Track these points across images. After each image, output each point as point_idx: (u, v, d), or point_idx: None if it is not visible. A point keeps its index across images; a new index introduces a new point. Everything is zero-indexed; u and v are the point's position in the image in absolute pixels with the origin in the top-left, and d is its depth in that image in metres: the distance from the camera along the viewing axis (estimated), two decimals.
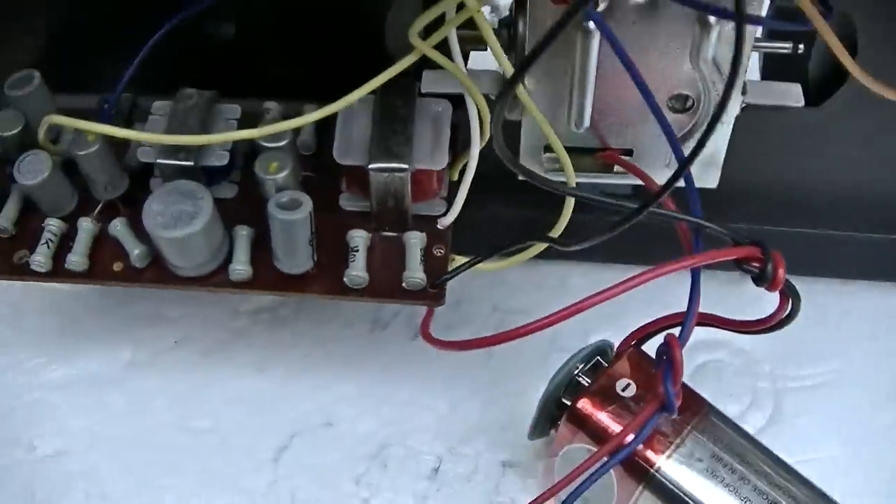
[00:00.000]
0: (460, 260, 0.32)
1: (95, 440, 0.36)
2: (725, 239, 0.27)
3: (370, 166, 0.30)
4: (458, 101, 0.31)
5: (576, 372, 0.31)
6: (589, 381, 0.30)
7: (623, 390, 0.29)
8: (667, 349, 0.27)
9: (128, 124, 0.34)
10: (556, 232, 0.31)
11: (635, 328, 0.31)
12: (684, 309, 0.28)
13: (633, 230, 0.37)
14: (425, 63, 0.30)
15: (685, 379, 0.37)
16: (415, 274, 0.31)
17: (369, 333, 0.39)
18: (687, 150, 0.31)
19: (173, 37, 0.29)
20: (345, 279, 0.31)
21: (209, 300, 0.40)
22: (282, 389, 0.38)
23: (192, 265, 0.31)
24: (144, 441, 0.36)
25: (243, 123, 0.32)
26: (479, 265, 0.32)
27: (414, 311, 0.39)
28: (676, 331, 0.28)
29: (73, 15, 0.33)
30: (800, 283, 0.40)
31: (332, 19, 0.29)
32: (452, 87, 0.31)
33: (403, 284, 0.31)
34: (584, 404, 0.29)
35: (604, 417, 0.29)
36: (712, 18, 0.27)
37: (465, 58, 0.32)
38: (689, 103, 0.30)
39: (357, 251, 0.31)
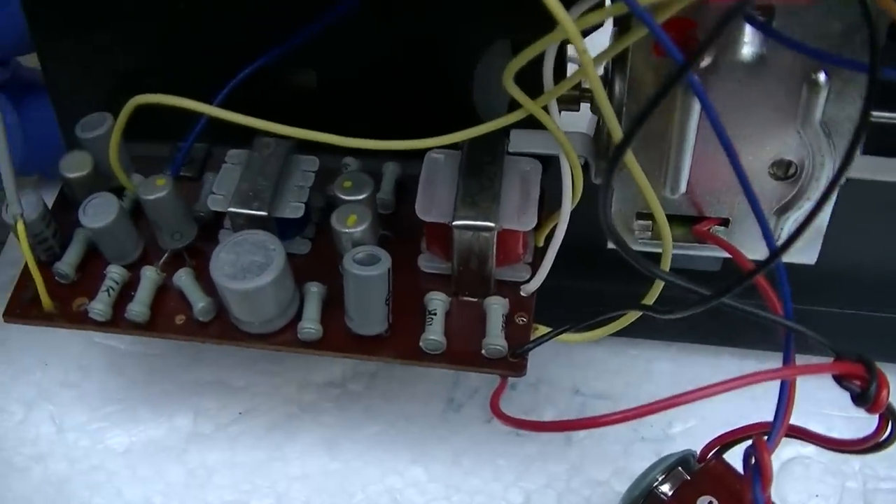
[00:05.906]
0: (543, 330, 0.30)
1: None
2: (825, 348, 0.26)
3: (455, 223, 0.29)
4: (544, 163, 0.30)
5: (655, 484, 0.29)
6: (668, 494, 0.29)
7: None
8: (755, 452, 0.26)
9: (199, 174, 0.33)
10: (649, 300, 0.29)
11: (718, 434, 0.29)
12: (772, 405, 0.26)
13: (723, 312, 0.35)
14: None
15: None
16: (495, 341, 0.29)
17: (443, 413, 0.37)
18: (787, 222, 0.29)
19: (252, 85, 0.28)
20: (421, 343, 0.30)
21: (276, 370, 0.39)
22: (349, 470, 0.36)
23: (259, 321, 0.30)
24: None
25: (321, 177, 0.31)
26: (564, 336, 0.30)
27: (490, 391, 0.37)
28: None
29: (149, 59, 0.33)
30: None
31: (417, 70, 0.28)
32: (542, 148, 0.30)
33: (483, 352, 0.29)
34: None
35: None
36: (822, 78, 0.25)
37: None
38: (792, 170, 0.28)
39: (435, 314, 0.30)
